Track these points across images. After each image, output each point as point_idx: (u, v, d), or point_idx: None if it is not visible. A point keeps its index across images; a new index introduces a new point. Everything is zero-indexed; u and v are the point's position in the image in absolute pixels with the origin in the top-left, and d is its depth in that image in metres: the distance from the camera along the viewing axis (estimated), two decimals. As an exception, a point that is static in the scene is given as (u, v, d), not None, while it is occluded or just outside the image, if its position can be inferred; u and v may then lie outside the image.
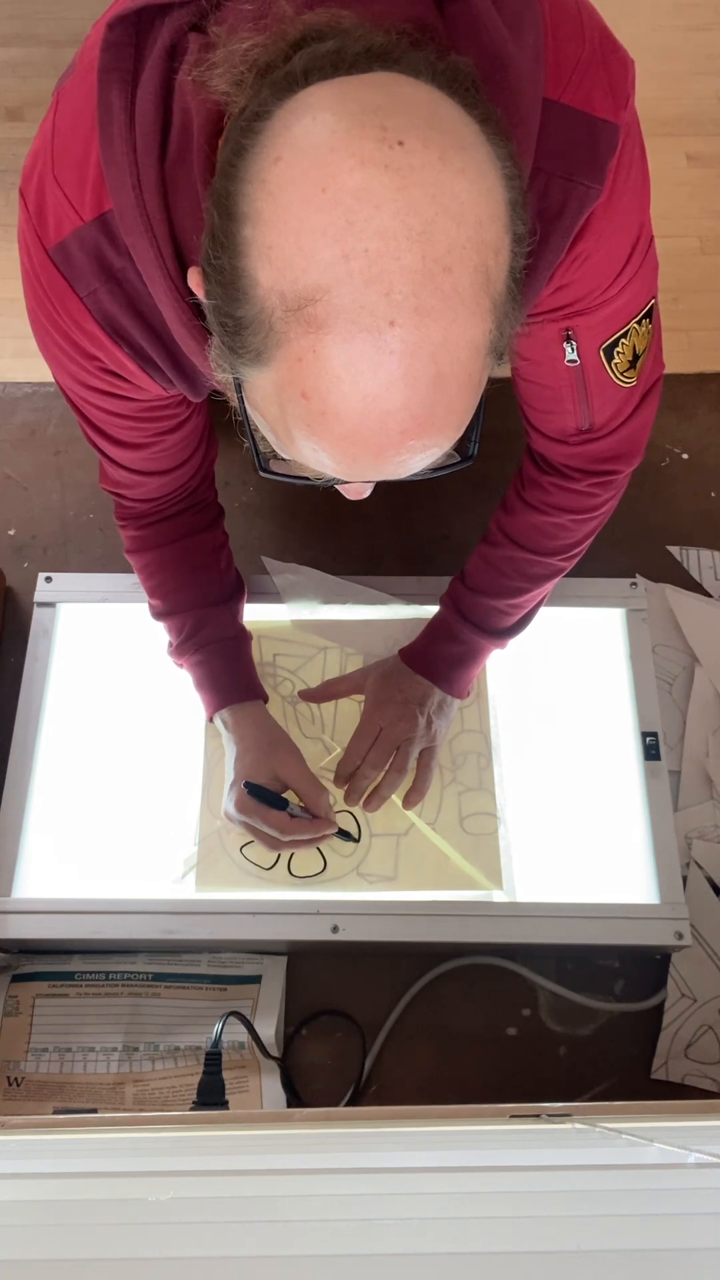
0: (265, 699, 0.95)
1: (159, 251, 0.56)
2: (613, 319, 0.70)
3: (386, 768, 0.94)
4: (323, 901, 0.89)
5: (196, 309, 0.57)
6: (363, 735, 0.95)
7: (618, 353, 0.71)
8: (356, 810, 0.95)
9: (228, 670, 0.93)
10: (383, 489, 0.58)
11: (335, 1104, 0.89)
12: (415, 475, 0.52)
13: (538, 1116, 0.65)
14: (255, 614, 1.04)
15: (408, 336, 0.44)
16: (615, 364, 0.72)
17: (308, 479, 0.55)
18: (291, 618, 1.04)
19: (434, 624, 0.97)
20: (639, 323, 0.71)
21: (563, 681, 1.02)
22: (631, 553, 1.13)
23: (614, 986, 0.93)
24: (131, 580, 1.04)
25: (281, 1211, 0.46)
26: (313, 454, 0.50)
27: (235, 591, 0.96)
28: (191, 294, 0.56)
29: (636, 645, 1.02)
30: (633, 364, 0.73)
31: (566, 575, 0.96)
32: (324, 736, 0.99)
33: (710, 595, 1.11)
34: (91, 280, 0.61)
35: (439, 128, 0.44)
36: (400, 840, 0.94)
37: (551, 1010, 0.92)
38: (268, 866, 0.92)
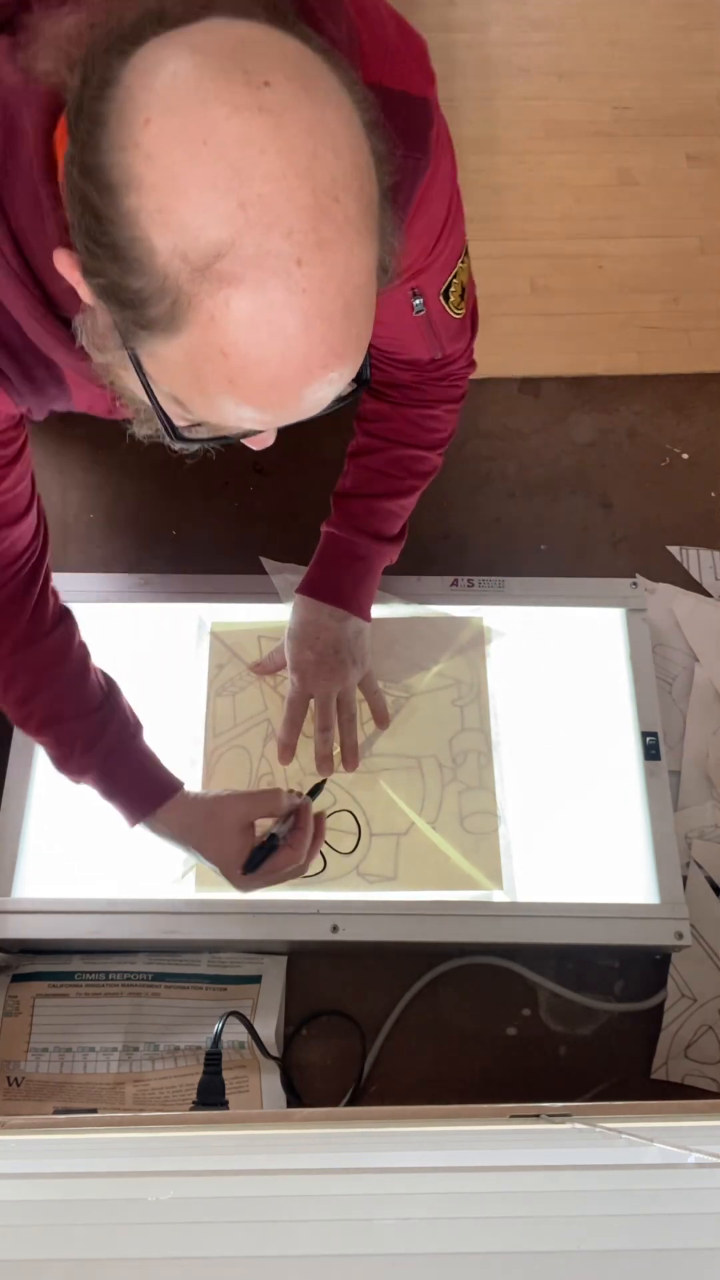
0: (179, 787, 0.88)
1: (1, 249, 0.55)
2: (443, 268, 0.76)
3: (336, 723, 0.95)
4: (323, 901, 0.89)
5: (47, 301, 0.56)
6: (296, 708, 0.95)
7: (450, 293, 0.78)
8: (356, 810, 0.95)
9: (141, 773, 0.87)
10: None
11: (335, 1104, 0.89)
12: (323, 411, 0.52)
13: (537, 1116, 0.65)
14: (255, 614, 1.04)
15: (314, 272, 0.45)
16: (451, 302, 0.79)
17: (226, 438, 0.54)
18: (291, 618, 1.04)
19: (324, 548, 0.96)
20: (461, 263, 0.77)
21: (563, 681, 1.02)
22: (631, 553, 1.13)
23: (614, 986, 0.93)
24: (131, 580, 1.03)
25: (281, 1211, 0.46)
26: (234, 409, 0.50)
27: (110, 687, 0.87)
28: (39, 286, 0.55)
29: (636, 645, 1.02)
30: (461, 296, 0.80)
31: (566, 575, 0.96)
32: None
33: (710, 595, 1.11)
34: None
35: (293, 63, 0.45)
36: (400, 840, 0.94)
37: (551, 1010, 0.92)
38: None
